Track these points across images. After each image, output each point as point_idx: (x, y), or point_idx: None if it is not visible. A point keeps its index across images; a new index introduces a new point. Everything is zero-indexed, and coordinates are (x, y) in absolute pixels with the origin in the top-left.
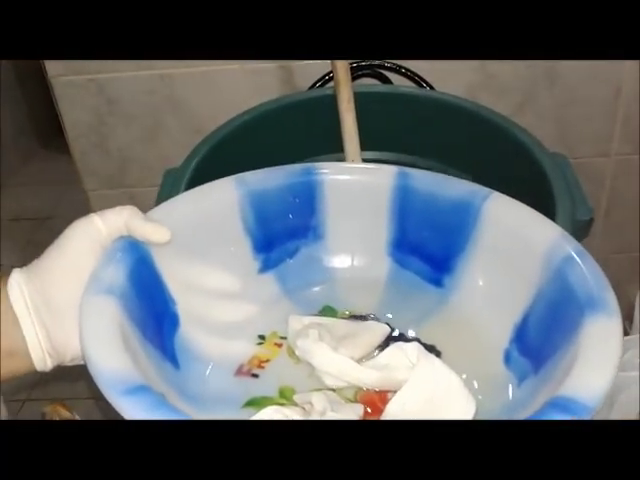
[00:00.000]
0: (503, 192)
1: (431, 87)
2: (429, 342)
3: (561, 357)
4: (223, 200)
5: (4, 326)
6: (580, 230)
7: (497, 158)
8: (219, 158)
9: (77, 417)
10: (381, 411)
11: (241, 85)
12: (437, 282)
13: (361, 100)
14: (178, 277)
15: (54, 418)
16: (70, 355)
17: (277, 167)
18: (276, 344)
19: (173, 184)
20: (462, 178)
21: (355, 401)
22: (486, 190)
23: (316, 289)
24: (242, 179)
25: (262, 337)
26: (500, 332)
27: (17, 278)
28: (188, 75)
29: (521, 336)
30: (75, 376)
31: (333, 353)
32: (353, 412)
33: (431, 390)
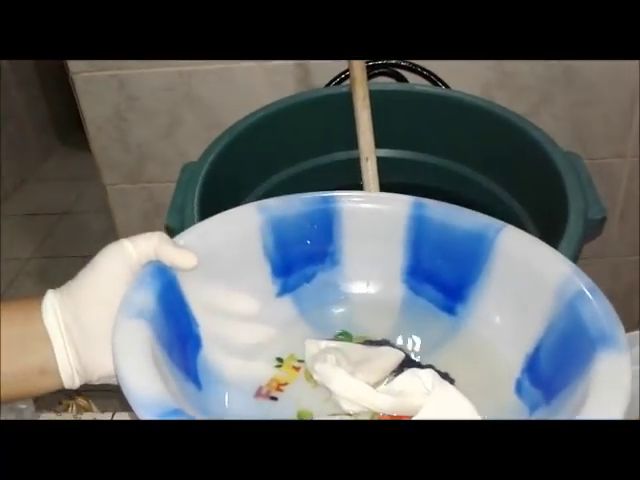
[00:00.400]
0: (516, 190)
1: (446, 86)
2: (443, 369)
3: (573, 390)
4: (246, 226)
5: (38, 345)
6: (593, 229)
7: (511, 156)
8: (236, 154)
9: (94, 407)
10: None
11: (258, 82)
12: (450, 310)
13: (376, 98)
14: (202, 300)
15: (72, 407)
16: (97, 375)
17: (297, 195)
18: (294, 367)
19: (190, 179)
20: (476, 176)
21: None
22: (499, 223)
23: (332, 313)
24: (264, 205)
25: (280, 360)
26: (512, 361)
27: (51, 299)
28: (206, 72)
29: (533, 366)
30: None
31: (350, 378)
32: None
33: (445, 417)
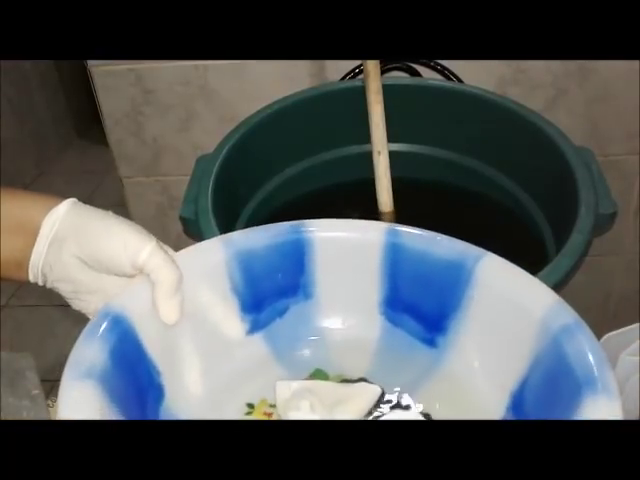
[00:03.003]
0: (528, 184)
1: (460, 81)
2: (424, 409)
3: None
4: (211, 262)
5: (25, 240)
6: (603, 223)
7: (524, 152)
8: (249, 146)
9: None
10: None
11: (273, 76)
12: (430, 342)
13: (390, 93)
14: (163, 346)
15: None
16: (54, 285)
17: (264, 226)
18: (265, 413)
19: (204, 170)
20: (489, 171)
21: None
22: (478, 251)
23: (306, 351)
24: (229, 239)
25: (251, 406)
26: (496, 399)
27: (64, 210)
28: (222, 66)
29: (517, 405)
30: None
31: None
32: None
33: None
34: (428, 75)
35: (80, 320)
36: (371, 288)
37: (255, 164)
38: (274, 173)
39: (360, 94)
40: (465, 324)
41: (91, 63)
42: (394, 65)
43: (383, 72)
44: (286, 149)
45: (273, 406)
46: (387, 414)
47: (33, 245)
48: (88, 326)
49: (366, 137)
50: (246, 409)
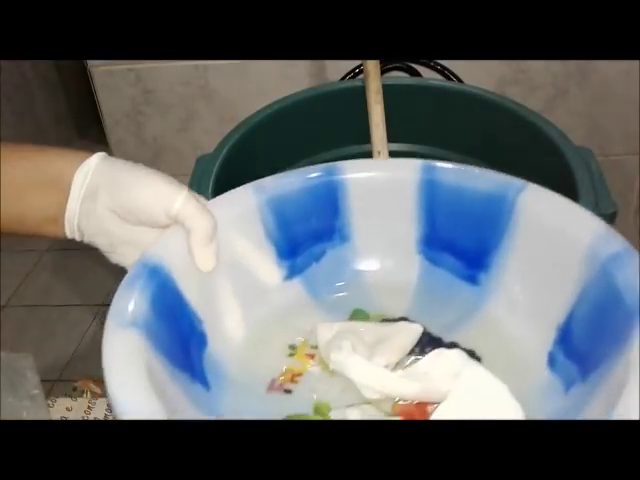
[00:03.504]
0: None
1: (460, 81)
2: (468, 347)
3: (610, 367)
4: (243, 209)
5: (59, 196)
6: None
7: (523, 151)
8: (249, 146)
9: None
10: None
11: (273, 76)
12: (472, 279)
13: (390, 92)
14: (202, 294)
15: (85, 392)
16: (89, 241)
17: (296, 170)
18: (308, 355)
19: (204, 170)
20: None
21: (393, 414)
22: (520, 182)
23: (345, 293)
24: (260, 185)
25: (293, 347)
26: (543, 333)
27: (95, 163)
28: (222, 66)
29: (566, 337)
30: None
31: (370, 365)
32: None
33: (476, 402)
34: (428, 75)
35: (80, 320)
36: (408, 227)
37: (255, 164)
38: (274, 173)
39: (360, 94)
40: (508, 259)
41: (91, 63)
42: (394, 65)
43: (383, 72)
44: (286, 149)
45: (315, 347)
46: (430, 353)
47: (67, 200)
48: (127, 277)
49: (366, 137)
50: (288, 351)
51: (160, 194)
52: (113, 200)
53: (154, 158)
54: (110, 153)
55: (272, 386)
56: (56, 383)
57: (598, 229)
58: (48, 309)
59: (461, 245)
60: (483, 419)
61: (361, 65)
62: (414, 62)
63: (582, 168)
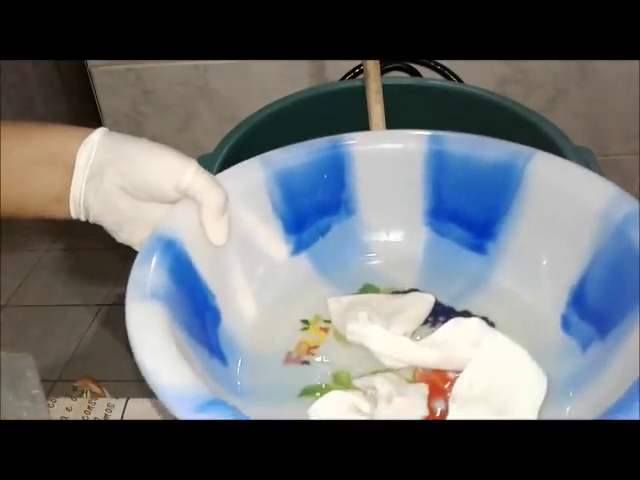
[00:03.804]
0: None
1: (460, 81)
2: (480, 314)
3: (630, 324)
4: (251, 183)
5: (62, 174)
6: None
7: None
8: (249, 146)
9: (107, 393)
10: (443, 391)
11: (273, 76)
12: (480, 249)
13: (390, 92)
14: (214, 269)
15: (85, 392)
16: (95, 221)
17: (302, 143)
18: (322, 329)
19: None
20: None
21: (415, 381)
22: (529, 150)
23: (353, 267)
24: (267, 159)
25: (306, 322)
26: (555, 296)
27: (98, 137)
28: (221, 66)
29: (579, 299)
30: (104, 356)
31: (389, 334)
32: (419, 393)
33: (498, 367)
34: (428, 75)
35: (80, 320)
36: (415, 199)
37: None
38: None
39: (360, 94)
40: (517, 227)
41: (91, 63)
42: (394, 65)
43: (383, 72)
44: None
45: (328, 321)
46: (449, 321)
47: (71, 178)
48: (142, 250)
49: None
50: (301, 325)
51: (170, 168)
52: (121, 176)
53: None
54: None
55: (289, 358)
56: (56, 383)
57: (610, 192)
58: (48, 309)
59: (469, 215)
60: (494, 419)
61: (361, 65)
62: (414, 62)
63: None
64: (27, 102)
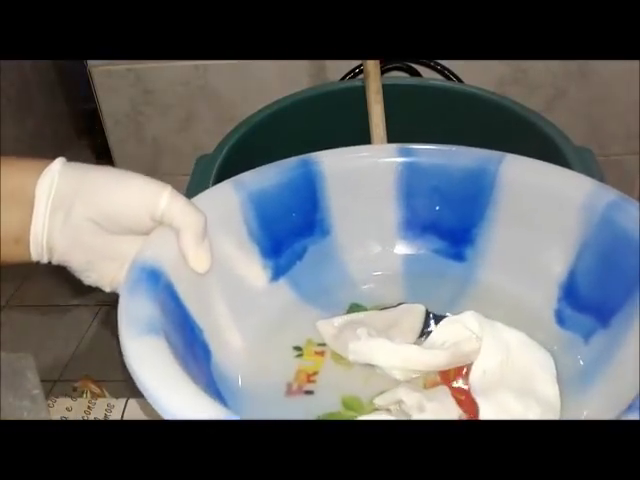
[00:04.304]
0: None
1: (460, 81)
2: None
3: (634, 306)
4: (224, 208)
5: (20, 211)
6: None
7: (523, 150)
8: (249, 146)
9: (107, 393)
10: (456, 390)
11: (273, 76)
12: (458, 256)
13: (390, 92)
14: (200, 301)
15: (85, 393)
16: (59, 261)
17: (273, 163)
18: (317, 353)
19: (204, 171)
20: None
21: (428, 387)
22: (498, 154)
23: (335, 288)
24: (239, 181)
25: (299, 348)
26: (544, 294)
27: (57, 168)
28: (222, 66)
29: (571, 292)
30: (104, 356)
31: (394, 345)
32: (444, 394)
33: (504, 351)
34: (428, 75)
35: (80, 320)
36: (388, 213)
37: (255, 164)
38: None
39: (360, 94)
40: (495, 229)
41: (91, 63)
42: (394, 65)
43: (383, 72)
44: (286, 149)
45: (322, 344)
46: (440, 322)
47: (31, 215)
48: (128, 282)
49: (366, 137)
50: (294, 352)
51: (142, 194)
52: (89, 208)
53: (154, 158)
54: (110, 153)
55: (290, 390)
56: (56, 383)
57: (588, 184)
58: (48, 309)
59: (443, 224)
60: (508, 419)
61: (361, 65)
62: (414, 62)
63: (582, 168)
64: (27, 102)
